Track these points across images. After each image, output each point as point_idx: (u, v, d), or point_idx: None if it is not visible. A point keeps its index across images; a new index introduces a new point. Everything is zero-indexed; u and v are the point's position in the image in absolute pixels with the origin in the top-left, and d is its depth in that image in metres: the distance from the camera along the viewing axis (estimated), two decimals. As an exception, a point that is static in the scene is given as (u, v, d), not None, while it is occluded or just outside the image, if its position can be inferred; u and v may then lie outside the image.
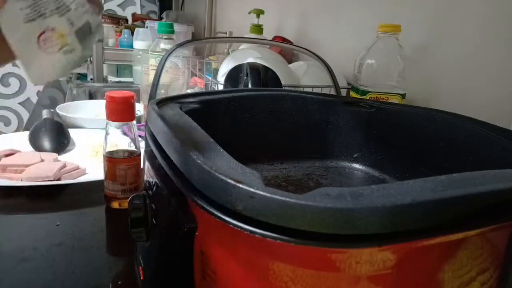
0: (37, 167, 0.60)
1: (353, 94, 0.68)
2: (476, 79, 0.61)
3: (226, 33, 1.50)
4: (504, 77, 0.57)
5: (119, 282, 0.41)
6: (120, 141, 0.52)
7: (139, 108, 0.93)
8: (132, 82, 1.51)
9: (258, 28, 1.14)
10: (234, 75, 0.59)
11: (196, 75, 1.11)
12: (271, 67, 0.59)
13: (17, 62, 0.32)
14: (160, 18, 2.67)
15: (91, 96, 1.32)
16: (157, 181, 0.30)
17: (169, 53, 0.48)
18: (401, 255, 0.20)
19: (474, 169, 0.24)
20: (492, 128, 0.37)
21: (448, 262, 0.22)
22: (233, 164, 0.24)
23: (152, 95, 0.45)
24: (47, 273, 0.41)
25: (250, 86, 0.55)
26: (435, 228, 0.21)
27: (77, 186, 0.58)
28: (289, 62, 0.93)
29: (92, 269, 0.42)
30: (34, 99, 2.97)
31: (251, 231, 0.21)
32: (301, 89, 0.66)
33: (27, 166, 0.60)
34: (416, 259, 0.21)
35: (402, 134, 0.45)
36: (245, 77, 0.56)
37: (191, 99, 0.42)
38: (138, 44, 1.55)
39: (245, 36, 1.15)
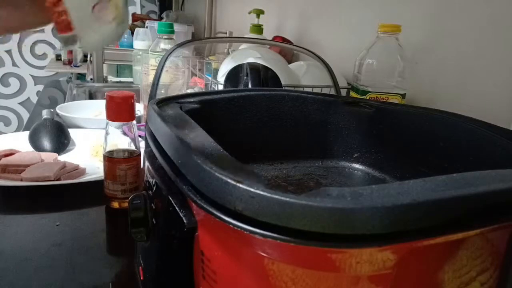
0: (37, 167, 0.60)
1: (353, 94, 0.68)
2: (476, 79, 0.61)
3: (226, 33, 1.50)
4: (504, 77, 0.57)
5: (119, 282, 0.41)
6: (120, 141, 0.52)
7: (139, 108, 0.93)
8: (132, 82, 1.51)
9: (258, 28, 1.14)
10: (234, 75, 0.59)
11: (196, 75, 1.11)
12: (271, 67, 0.59)
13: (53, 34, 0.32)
14: (160, 18, 2.67)
15: (91, 96, 1.32)
16: (157, 181, 0.30)
17: (169, 53, 0.48)
18: (401, 255, 0.20)
19: (474, 169, 0.24)
20: (492, 128, 0.37)
21: (448, 262, 0.22)
22: (233, 164, 0.24)
23: (152, 95, 0.45)
24: (47, 273, 0.41)
25: (250, 86, 0.55)
26: (435, 228, 0.21)
27: (77, 186, 0.58)
28: (289, 62, 0.93)
29: (92, 269, 0.42)
30: (34, 99, 2.97)
31: (251, 231, 0.21)
32: (301, 89, 0.66)
33: (27, 166, 0.60)
34: (416, 259, 0.21)
35: (402, 134, 0.45)
36: (245, 77, 0.56)
37: (191, 99, 0.42)
38: (138, 44, 1.55)
39: (245, 36, 1.15)
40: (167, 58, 0.48)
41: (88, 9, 0.30)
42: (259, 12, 1.18)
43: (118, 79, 1.65)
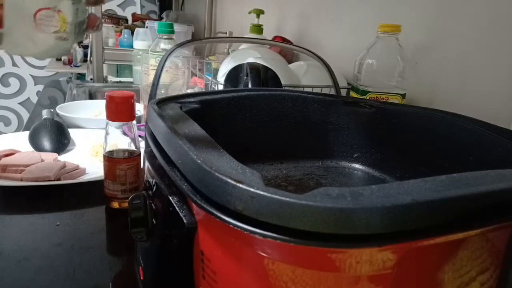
0: (37, 167, 0.60)
1: (353, 94, 0.68)
2: (476, 79, 0.61)
3: (226, 33, 1.50)
4: (504, 77, 0.57)
5: (119, 282, 0.41)
6: (120, 141, 0.52)
7: (139, 108, 0.93)
8: (132, 82, 1.51)
9: (258, 28, 1.14)
10: (234, 75, 0.59)
11: (196, 75, 1.11)
12: (271, 67, 0.59)
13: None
14: (160, 18, 2.67)
15: (91, 96, 1.32)
16: (157, 181, 0.30)
17: (169, 53, 0.48)
18: (401, 255, 0.20)
19: (474, 169, 0.24)
20: (492, 128, 0.37)
21: (448, 262, 0.22)
22: (233, 164, 0.24)
23: (152, 95, 0.45)
24: (47, 273, 0.41)
25: (250, 86, 0.55)
26: (435, 228, 0.21)
27: (77, 186, 0.58)
28: (289, 62, 0.93)
29: (92, 269, 0.42)
30: (34, 99, 2.97)
31: (251, 231, 0.21)
32: (301, 89, 0.66)
33: (27, 166, 0.60)
34: (416, 259, 0.21)
35: (402, 134, 0.45)
36: (245, 77, 0.56)
37: (191, 99, 0.42)
38: (138, 44, 1.55)
39: (245, 36, 1.15)
40: (167, 58, 0.48)
41: (28, 11, 0.28)
42: (259, 12, 1.18)
43: (118, 79, 1.65)
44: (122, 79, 1.64)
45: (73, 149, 0.75)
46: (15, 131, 1.06)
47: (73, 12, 0.30)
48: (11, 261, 0.42)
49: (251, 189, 0.20)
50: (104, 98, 0.51)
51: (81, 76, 2.31)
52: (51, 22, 0.29)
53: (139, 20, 2.42)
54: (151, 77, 0.89)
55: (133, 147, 0.52)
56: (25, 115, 3.05)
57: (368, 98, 0.63)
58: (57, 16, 0.30)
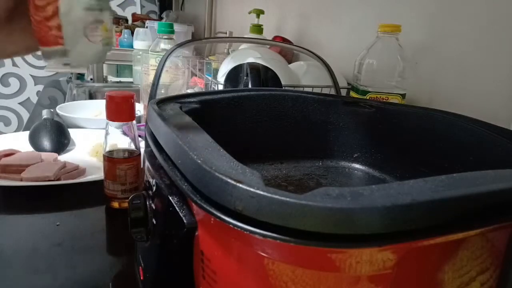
0: (37, 167, 0.60)
1: (353, 94, 0.68)
2: (476, 79, 0.61)
3: (226, 33, 1.50)
4: (504, 77, 0.57)
5: (119, 282, 0.41)
6: (120, 141, 0.52)
7: (139, 108, 0.93)
8: (132, 82, 1.51)
9: (258, 28, 1.14)
10: (234, 75, 0.59)
11: (196, 75, 1.11)
12: (271, 67, 0.59)
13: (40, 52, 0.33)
14: (160, 18, 2.67)
15: (91, 96, 1.32)
16: (157, 181, 0.30)
17: (169, 53, 0.48)
18: (401, 255, 0.20)
19: (474, 169, 0.24)
20: (492, 128, 0.37)
21: (448, 262, 0.22)
22: (233, 164, 0.24)
23: (152, 95, 0.45)
24: (47, 273, 0.41)
25: (250, 86, 0.55)
26: (435, 228, 0.21)
27: (77, 186, 0.58)
28: (289, 62, 0.93)
29: (92, 269, 0.42)
30: (34, 99, 2.97)
31: (251, 231, 0.21)
32: (301, 89, 0.66)
33: (27, 166, 0.60)
34: (416, 259, 0.21)
35: (402, 134, 0.45)
36: (245, 77, 0.56)
37: (191, 99, 0.42)
38: (138, 44, 1.55)
39: (245, 36, 1.15)
40: (167, 58, 0.48)
41: (81, 26, 0.32)
42: (259, 12, 1.18)
43: (118, 79, 1.65)
44: (122, 79, 1.64)
45: (73, 149, 0.75)
46: (15, 131, 1.06)
47: (110, 19, 0.34)
48: (11, 261, 0.42)
49: (251, 189, 0.20)
50: (104, 98, 0.51)
51: (81, 76, 2.31)
52: (97, 32, 0.33)
53: (139, 20, 2.42)
54: (151, 77, 0.89)
55: (133, 147, 0.52)
56: (25, 115, 3.05)
57: (368, 98, 0.63)
58: (102, 26, 0.33)
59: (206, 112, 0.42)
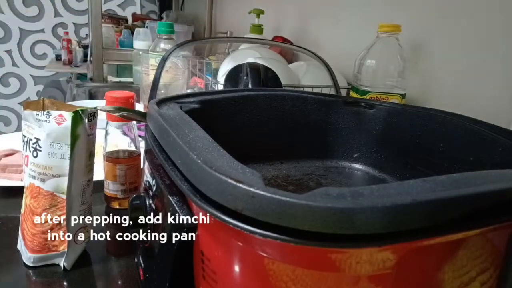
0: (37, 167, 0.60)
1: (353, 94, 0.68)
2: (475, 79, 0.61)
3: (226, 33, 1.51)
4: (503, 77, 0.57)
5: (119, 282, 0.41)
6: (120, 141, 0.52)
7: (139, 108, 0.93)
8: (132, 82, 1.51)
9: (258, 28, 1.14)
10: (234, 75, 0.59)
11: (196, 75, 1.11)
12: (271, 67, 0.59)
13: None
14: (160, 18, 2.67)
15: (91, 96, 1.32)
16: (157, 181, 0.30)
17: (169, 53, 0.48)
18: (401, 255, 0.20)
19: (474, 169, 0.24)
20: (492, 128, 0.37)
21: (448, 262, 0.22)
22: (233, 164, 0.24)
23: (152, 95, 0.45)
24: (47, 273, 0.41)
25: (250, 86, 0.55)
26: (435, 228, 0.21)
27: (77, 186, 0.58)
28: (289, 62, 0.93)
29: (92, 269, 0.42)
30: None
31: (251, 231, 0.20)
32: (301, 89, 0.66)
33: (27, 166, 0.60)
34: (416, 259, 0.21)
35: (402, 134, 0.45)
36: (245, 77, 0.56)
37: (191, 99, 0.42)
38: (138, 44, 1.54)
39: (245, 36, 1.15)
40: (167, 58, 0.48)
41: (73, 234, 0.40)
42: (259, 12, 1.18)
43: (118, 79, 1.65)
44: (122, 79, 1.64)
45: (73, 149, 0.75)
46: (15, 131, 1.06)
47: (90, 220, 0.40)
48: (11, 261, 0.42)
49: (251, 189, 0.20)
50: (104, 98, 0.51)
51: (81, 76, 2.31)
52: (83, 235, 0.41)
53: (139, 20, 2.42)
54: (151, 77, 0.89)
55: (133, 147, 0.52)
56: (25, 115, 3.04)
57: (368, 98, 0.63)
58: (86, 229, 0.41)
59: (206, 112, 0.42)
